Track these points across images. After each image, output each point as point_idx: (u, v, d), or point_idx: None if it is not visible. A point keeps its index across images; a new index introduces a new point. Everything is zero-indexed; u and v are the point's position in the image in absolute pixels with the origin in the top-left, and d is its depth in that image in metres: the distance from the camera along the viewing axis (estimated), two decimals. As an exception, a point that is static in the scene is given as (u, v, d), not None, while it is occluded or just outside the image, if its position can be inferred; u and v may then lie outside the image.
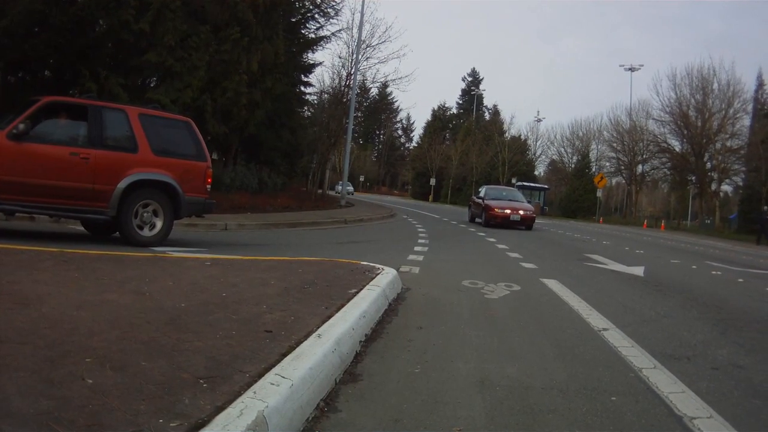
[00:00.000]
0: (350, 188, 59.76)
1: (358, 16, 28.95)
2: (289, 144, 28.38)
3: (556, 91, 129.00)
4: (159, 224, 8.97)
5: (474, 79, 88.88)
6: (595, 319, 5.59)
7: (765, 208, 23.59)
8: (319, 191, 32.20)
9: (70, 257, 6.14)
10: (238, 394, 2.48)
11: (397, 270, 7.15)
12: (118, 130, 8.86)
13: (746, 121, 44.26)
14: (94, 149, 8.50)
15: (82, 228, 10.04)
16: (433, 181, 66.82)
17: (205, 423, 2.19)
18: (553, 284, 7.73)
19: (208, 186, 9.46)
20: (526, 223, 21.07)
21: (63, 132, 8.69)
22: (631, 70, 55.27)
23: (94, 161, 8.44)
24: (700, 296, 7.77)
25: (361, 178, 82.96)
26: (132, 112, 9.04)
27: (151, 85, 19.02)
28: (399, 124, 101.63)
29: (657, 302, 7.02)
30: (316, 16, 29.29)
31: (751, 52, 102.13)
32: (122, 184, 8.57)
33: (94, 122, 8.63)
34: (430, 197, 66.72)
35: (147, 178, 8.82)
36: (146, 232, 8.88)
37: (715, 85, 43.48)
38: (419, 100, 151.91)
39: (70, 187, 8.33)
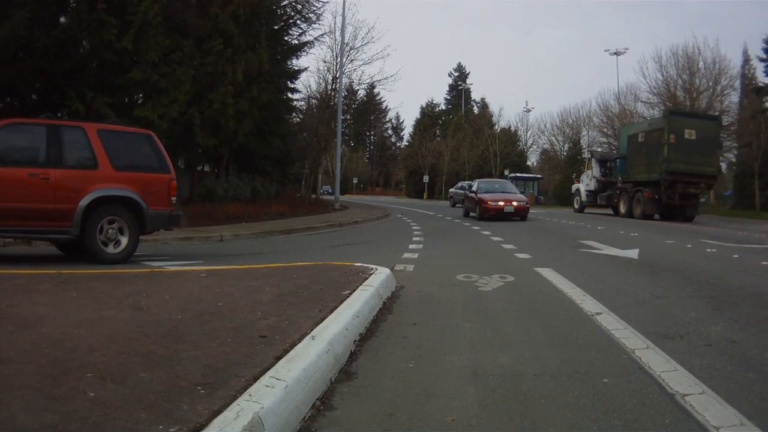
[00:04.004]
0: None
1: (339, 19, 29.04)
2: (279, 151, 28.43)
3: (544, 80, 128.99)
4: (124, 240, 8.91)
5: (460, 74, 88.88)
6: (589, 304, 5.66)
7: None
8: (313, 196, 32.26)
9: (68, 278, 6.21)
10: (235, 398, 2.56)
11: (392, 269, 7.22)
12: (77, 147, 8.80)
13: (734, 97, 44.30)
14: (54, 169, 8.46)
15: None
16: (426, 179, 66.75)
17: (203, 426, 2.28)
18: (547, 273, 7.80)
19: (173, 198, 9.40)
20: (521, 214, 21.12)
21: (21, 153, 8.65)
22: (617, 54, 55.28)
23: (53, 181, 8.41)
24: (694, 275, 7.83)
25: (355, 180, 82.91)
26: (90, 129, 8.99)
27: (138, 102, 19.05)
28: (389, 124, 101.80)
29: (651, 283, 7.08)
30: (298, 22, 29.37)
31: (734, 28, 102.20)
32: (83, 202, 8.53)
33: (53, 142, 8.59)
34: (425, 195, 66.67)
35: (108, 194, 8.77)
36: (112, 249, 8.81)
37: (701, 64, 43.49)
38: (407, 98, 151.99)
39: (32, 209, 8.30)
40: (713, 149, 24.58)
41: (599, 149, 42.46)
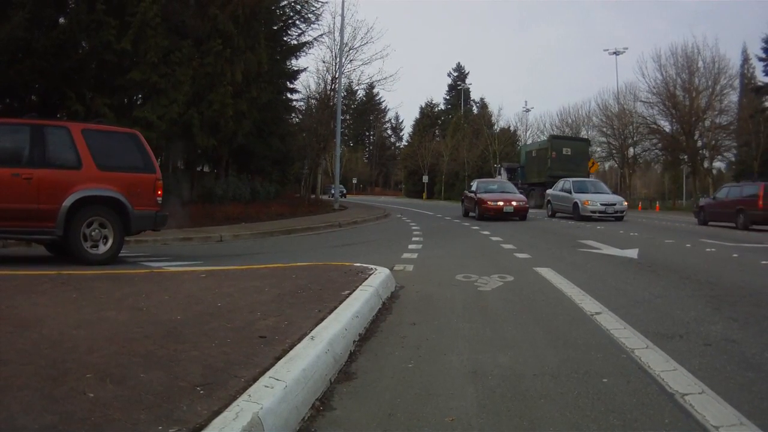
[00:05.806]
0: None
1: (338, 19, 28.98)
2: (279, 152, 28.41)
3: (543, 80, 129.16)
4: (109, 241, 8.82)
5: (460, 74, 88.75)
6: (588, 304, 5.66)
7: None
8: (312, 196, 32.26)
9: (68, 279, 6.21)
10: (234, 398, 2.56)
11: (391, 269, 7.22)
12: (61, 147, 8.72)
13: (734, 96, 44.27)
14: (37, 168, 8.39)
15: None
16: (425, 179, 66.78)
17: (202, 427, 2.28)
18: (546, 272, 7.80)
19: (159, 198, 9.29)
20: (520, 214, 21.13)
21: (5, 153, 8.55)
22: (616, 53, 55.07)
23: (37, 181, 8.33)
24: (694, 274, 7.82)
25: (354, 180, 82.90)
26: (75, 128, 8.92)
27: (138, 103, 19.06)
28: (388, 124, 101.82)
29: (650, 283, 7.08)
30: (297, 22, 29.31)
31: (733, 28, 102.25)
32: (67, 202, 8.43)
33: (36, 141, 8.52)
34: (424, 195, 66.71)
35: (92, 195, 8.68)
36: (96, 250, 8.73)
37: (700, 63, 43.35)
38: (406, 98, 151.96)
39: (15, 209, 8.22)
40: (584, 160, 37.09)
41: (506, 162, 53.40)
